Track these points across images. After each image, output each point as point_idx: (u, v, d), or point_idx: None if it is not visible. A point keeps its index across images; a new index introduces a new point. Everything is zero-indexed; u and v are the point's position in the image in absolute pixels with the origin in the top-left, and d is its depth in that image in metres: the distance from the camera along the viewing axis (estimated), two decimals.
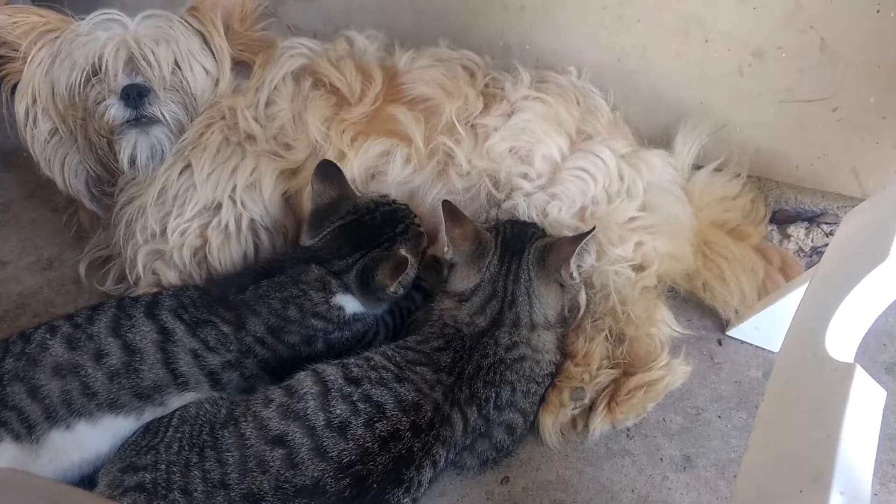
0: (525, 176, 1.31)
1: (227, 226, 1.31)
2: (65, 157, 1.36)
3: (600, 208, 1.30)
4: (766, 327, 1.31)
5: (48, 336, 1.06)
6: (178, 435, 1.01)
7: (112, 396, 1.04)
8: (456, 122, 1.33)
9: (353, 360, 1.06)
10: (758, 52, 1.37)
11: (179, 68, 1.32)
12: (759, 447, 0.85)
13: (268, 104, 1.36)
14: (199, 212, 1.31)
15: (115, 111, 1.27)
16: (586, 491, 1.12)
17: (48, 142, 1.35)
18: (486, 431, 1.09)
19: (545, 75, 1.42)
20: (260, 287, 1.15)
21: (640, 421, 1.20)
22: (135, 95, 1.27)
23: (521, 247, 1.19)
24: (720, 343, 1.35)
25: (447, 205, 1.19)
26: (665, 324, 1.27)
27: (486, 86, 1.40)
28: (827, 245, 1.46)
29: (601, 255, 1.27)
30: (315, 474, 0.93)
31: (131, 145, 1.30)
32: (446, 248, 1.21)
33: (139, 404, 1.05)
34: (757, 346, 1.33)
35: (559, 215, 1.29)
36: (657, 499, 1.11)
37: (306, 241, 1.23)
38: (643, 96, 1.53)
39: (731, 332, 1.35)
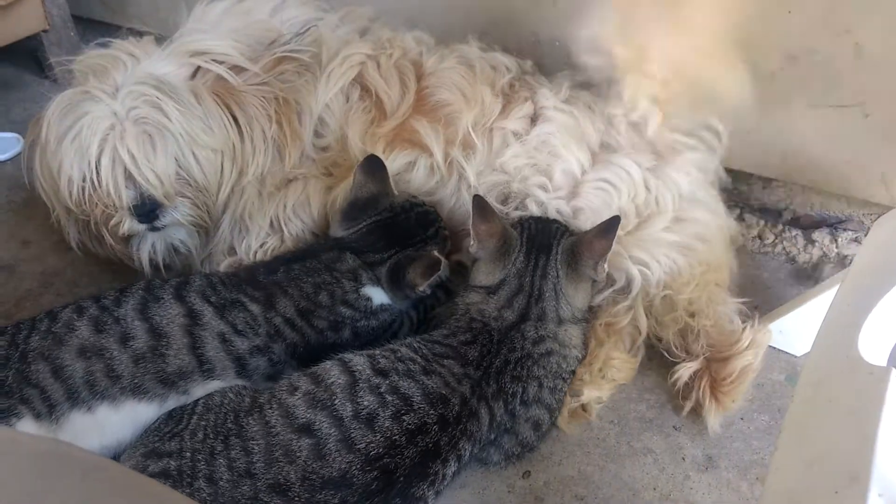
0: (542, 186, 1.30)
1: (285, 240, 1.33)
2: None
3: (629, 221, 1.28)
4: (790, 331, 1.30)
5: (75, 316, 1.06)
6: (203, 423, 1.01)
7: (136, 381, 1.04)
8: (471, 132, 1.31)
9: (379, 352, 1.06)
10: (791, 56, 1.36)
11: (182, 168, 1.23)
12: (789, 448, 0.84)
13: (321, 123, 1.35)
14: (266, 233, 1.33)
15: (130, 225, 1.23)
16: (608, 488, 1.12)
17: (68, 221, 1.32)
18: (512, 427, 1.09)
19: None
20: (292, 270, 1.16)
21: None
22: (146, 213, 1.22)
23: (547, 243, 1.19)
24: None
25: (478, 199, 1.19)
26: (727, 307, 1.28)
27: (511, 86, 1.38)
28: (852, 251, 1.47)
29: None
30: (342, 466, 0.93)
31: (148, 248, 1.29)
32: (471, 243, 1.21)
33: (163, 391, 1.05)
34: (780, 350, 1.32)
35: (585, 228, 1.27)
36: (679, 498, 1.11)
37: (339, 231, 1.24)
38: None
39: None
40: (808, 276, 1.50)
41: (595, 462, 1.15)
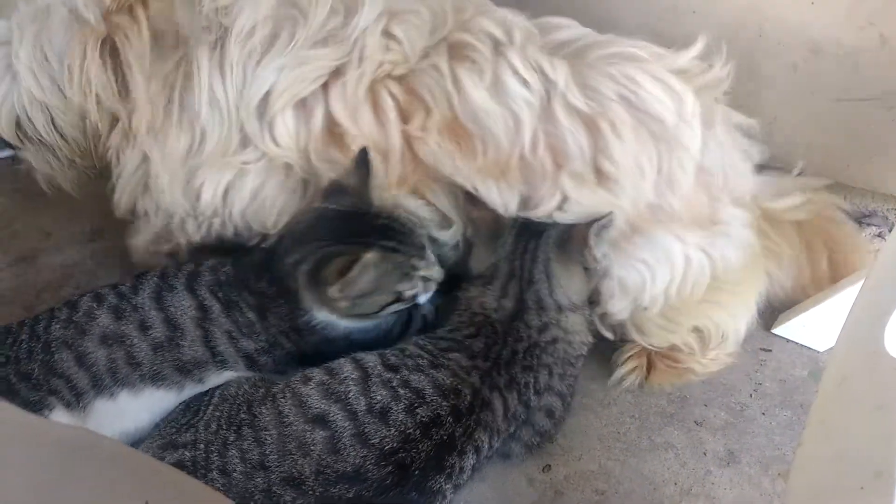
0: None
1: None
2: None
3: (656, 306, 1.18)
4: (813, 326, 1.29)
5: (95, 305, 1.06)
6: (218, 413, 1.01)
7: (155, 368, 1.04)
8: None
9: (388, 351, 1.05)
10: (814, 48, 1.35)
11: (23, 122, 1.11)
12: (813, 444, 0.83)
13: None
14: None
15: None
16: (629, 482, 1.11)
17: None
18: (528, 418, 1.08)
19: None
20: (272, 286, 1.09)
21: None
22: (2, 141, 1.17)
23: (540, 228, 1.16)
24: (766, 341, 1.33)
25: None
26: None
27: None
28: (877, 246, 1.45)
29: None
30: (357, 461, 0.92)
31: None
32: (466, 228, 1.19)
33: (180, 378, 1.05)
34: (803, 345, 1.31)
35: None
36: (700, 493, 1.10)
37: None
38: None
39: (777, 330, 1.33)
40: None
41: (616, 456, 1.15)
